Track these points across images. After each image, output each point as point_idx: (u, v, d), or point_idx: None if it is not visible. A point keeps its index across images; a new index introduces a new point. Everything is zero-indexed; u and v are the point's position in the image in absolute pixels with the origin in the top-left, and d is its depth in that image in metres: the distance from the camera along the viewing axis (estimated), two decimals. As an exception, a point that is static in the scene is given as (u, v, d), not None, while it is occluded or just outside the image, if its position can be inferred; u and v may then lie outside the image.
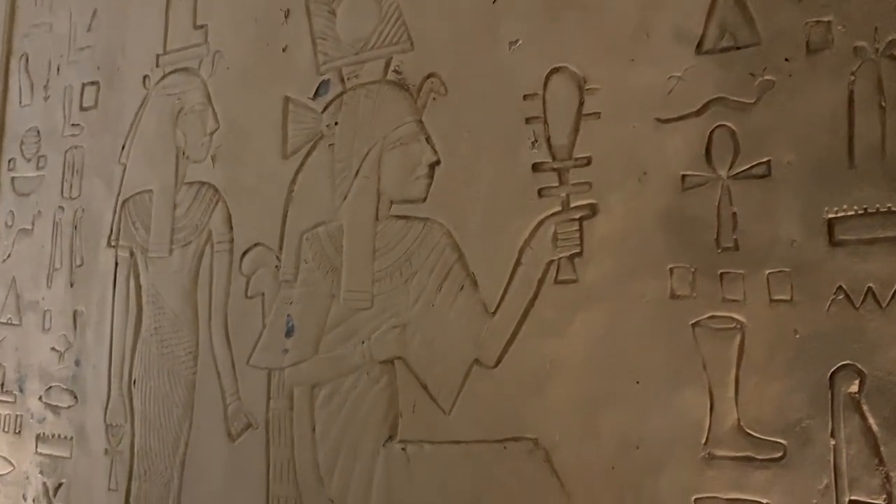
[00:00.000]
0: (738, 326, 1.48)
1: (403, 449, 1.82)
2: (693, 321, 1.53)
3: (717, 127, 1.55)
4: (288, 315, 2.05)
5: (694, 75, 1.58)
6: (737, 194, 1.51)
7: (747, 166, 1.51)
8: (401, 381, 1.86)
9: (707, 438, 1.48)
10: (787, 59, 1.49)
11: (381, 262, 1.91)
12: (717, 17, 1.57)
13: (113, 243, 2.46)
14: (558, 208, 1.69)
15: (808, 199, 1.44)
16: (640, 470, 1.54)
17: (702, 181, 1.55)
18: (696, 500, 1.48)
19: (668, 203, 1.58)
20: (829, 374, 1.38)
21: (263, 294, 2.11)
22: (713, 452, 1.48)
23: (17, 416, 2.62)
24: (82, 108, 2.62)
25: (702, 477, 1.48)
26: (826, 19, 1.46)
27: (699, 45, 1.58)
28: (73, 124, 2.63)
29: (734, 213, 1.51)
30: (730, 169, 1.53)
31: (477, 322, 1.76)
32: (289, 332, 2.04)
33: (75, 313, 2.51)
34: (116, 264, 2.44)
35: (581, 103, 1.70)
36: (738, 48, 1.54)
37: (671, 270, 1.56)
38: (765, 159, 1.49)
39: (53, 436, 2.51)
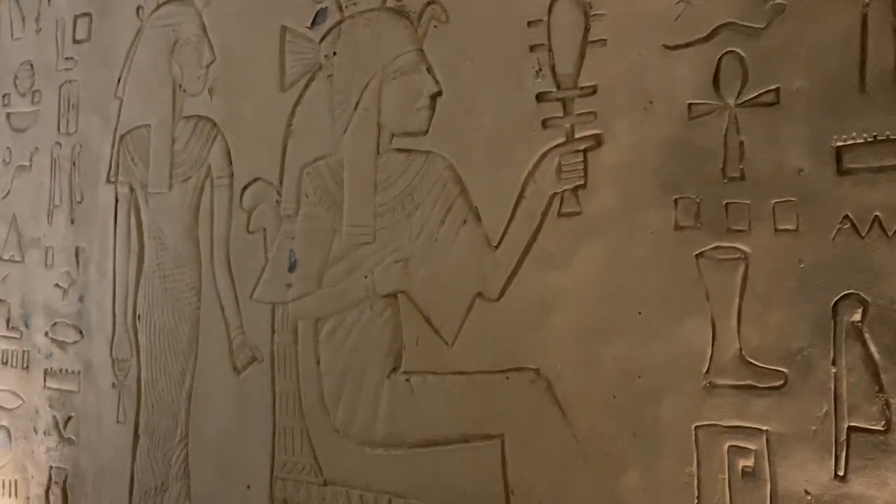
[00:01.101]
0: (743, 257, 1.47)
1: (407, 380, 1.84)
2: (697, 252, 1.52)
3: (725, 53, 1.51)
4: (290, 250, 2.05)
5: (703, 0, 1.53)
6: (744, 123, 1.48)
7: (756, 94, 1.47)
8: (404, 314, 1.87)
9: (709, 368, 1.49)
10: (799, -18, 1.44)
11: (382, 197, 1.90)
12: (729, -62, 1.51)
13: (112, 179, 2.44)
14: (562, 139, 1.67)
15: (817, 127, 1.42)
16: (641, 399, 1.56)
17: (709, 110, 1.52)
18: (696, 427, 1.50)
19: (674, 133, 1.55)
20: (833, 303, 1.38)
21: (265, 229, 2.10)
22: (714, 381, 1.49)
23: (24, 351, 2.64)
24: (75, 41, 2.56)
25: (703, 405, 1.50)
26: (841, -62, 1.41)
27: (709, -33, 1.53)
28: (66, 58, 2.58)
29: (741, 143, 1.49)
30: (738, 97, 1.49)
31: (480, 256, 1.75)
32: (291, 267, 2.04)
33: (77, 250, 2.51)
34: (117, 200, 2.42)
35: (587, 30, 1.65)
36: (749, -29, 1.49)
37: (676, 201, 1.54)
38: (773, 86, 1.46)
39: (61, 370, 2.54)
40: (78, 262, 2.51)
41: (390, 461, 1.85)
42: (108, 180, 2.46)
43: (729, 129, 1.50)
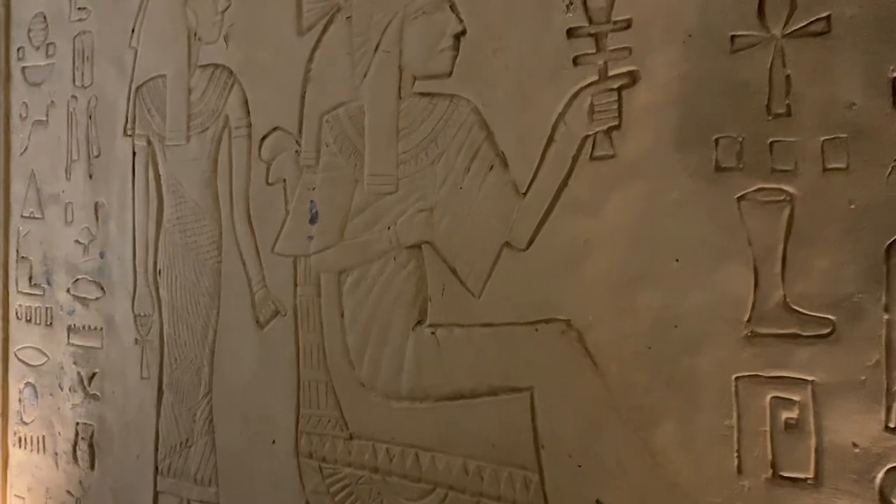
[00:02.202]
0: (788, 199, 1.39)
1: (433, 333, 1.79)
2: (739, 195, 1.43)
3: (772, -21, 1.40)
4: (311, 201, 1.99)
5: (749, -78, 1.42)
6: (791, 55, 1.38)
7: (804, 23, 1.37)
8: (429, 265, 1.81)
9: (750, 316, 1.42)
10: None
11: (405, 144, 1.83)
12: None
13: (129, 132, 2.39)
14: (595, 77, 1.58)
15: (871, 58, 1.32)
16: (677, 349, 1.49)
17: (753, 41, 1.42)
18: (736, 378, 1.43)
19: (716, 67, 1.45)
20: (886, 247, 1.30)
21: (285, 180, 2.04)
22: (756, 330, 1.42)
23: (47, 308, 2.63)
24: (88, -10, 2.49)
25: (743, 355, 1.43)
26: None
27: None
28: (79, 8, 2.51)
29: (788, 76, 1.39)
30: (785, 26, 1.39)
31: (507, 203, 1.68)
32: (313, 219, 1.99)
33: (96, 205, 2.48)
34: (134, 154, 2.37)
35: (621, -41, 1.55)
36: None
37: (717, 141, 1.46)
38: (824, 14, 1.35)
39: (84, 327, 2.53)
40: (97, 218, 2.47)
41: (416, 414, 1.81)
42: (125, 133, 2.41)
43: (775, 62, 1.40)
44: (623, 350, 1.55)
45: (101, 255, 2.48)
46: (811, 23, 1.36)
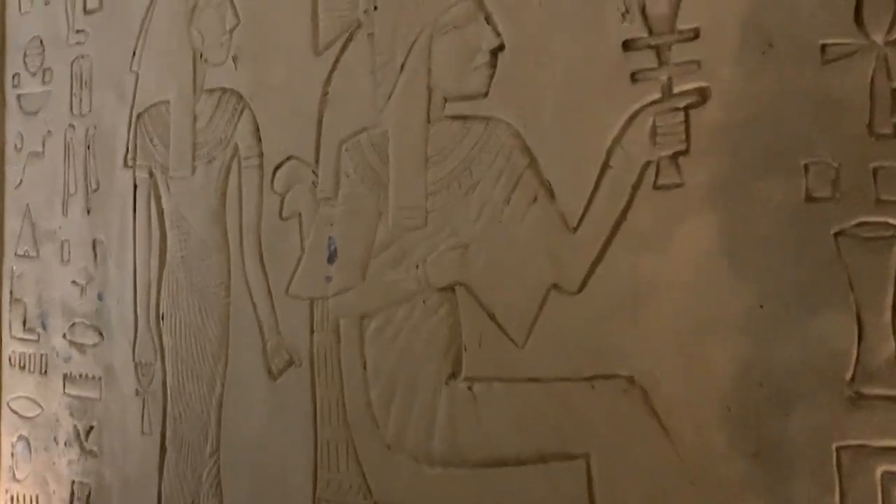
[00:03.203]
0: (897, 234, 1.17)
1: (469, 388, 1.57)
2: (836, 230, 1.22)
3: (871, -21, 1.20)
4: (330, 237, 1.79)
5: (839, -88, 1.22)
6: (898, 65, 1.18)
7: (913, 28, 1.17)
8: (463, 309, 1.59)
9: (854, 373, 1.20)
10: None
11: (435, 173, 1.62)
12: None
13: (130, 163, 2.21)
14: (657, 95, 1.37)
15: None
16: (764, 411, 1.26)
17: (850, 50, 1.21)
18: (838, 448, 1.20)
19: (803, 81, 1.25)
20: None
21: (300, 214, 1.85)
22: (861, 391, 1.19)
23: (41, 354, 2.44)
24: (86, 12, 2.33)
25: (846, 420, 1.20)
26: None
27: None
28: (77, 31, 2.35)
29: (894, 90, 1.18)
30: (888, 32, 1.19)
31: (555, 238, 1.47)
32: (331, 257, 1.78)
33: (94, 242, 2.29)
34: (135, 186, 2.19)
35: (685, -39, 1.35)
36: None
37: (806, 167, 1.24)
38: (938, 17, 1.15)
39: (81, 376, 2.33)
40: (96, 256, 2.29)
41: (451, 482, 1.59)
42: (125, 164, 2.23)
43: (877, 74, 1.19)
44: (698, 411, 1.32)
45: (100, 297, 2.28)
46: (921, 27, 1.16)
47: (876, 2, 1.20)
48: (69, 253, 2.36)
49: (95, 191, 2.30)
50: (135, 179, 2.20)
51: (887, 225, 1.19)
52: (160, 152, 2.12)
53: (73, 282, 2.34)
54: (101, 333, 2.29)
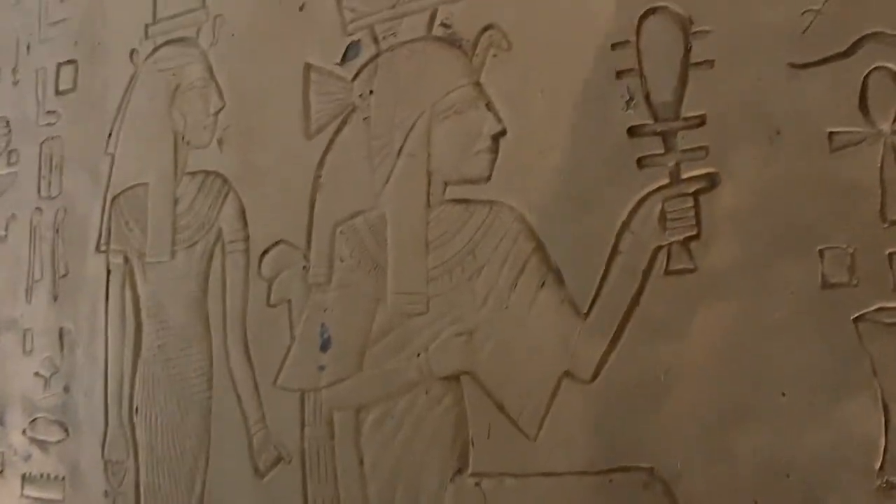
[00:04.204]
0: (918, 319, 1.17)
1: (477, 484, 1.50)
2: (855, 315, 1.21)
3: (873, 70, 1.23)
4: (322, 324, 1.71)
5: (837, 7, 1.26)
6: (906, 153, 1.20)
7: (918, 117, 1.20)
8: (469, 400, 1.53)
9: (882, 462, 1.17)
10: (966, -21, 1.18)
11: (436, 257, 1.58)
12: (866, -67, 1.25)
13: (103, 248, 2.11)
14: (665, 181, 1.37)
15: None
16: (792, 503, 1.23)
17: (857, 138, 1.23)
18: (872, 539, 1.17)
19: (813, 168, 1.26)
20: None
21: (289, 301, 1.77)
22: (892, 480, 1.17)
23: (-2, 453, 2.27)
24: (58, 93, 2.26)
25: (879, 511, 1.17)
26: None
27: (843, -32, 1.27)
28: (48, 111, 2.27)
29: (903, 177, 1.20)
30: (895, 121, 1.21)
31: (566, 325, 1.43)
32: (324, 345, 1.71)
33: (61, 331, 2.16)
34: (108, 272, 2.08)
35: (688, 50, 1.38)
36: (898, -31, 1.23)
37: (821, 252, 1.24)
38: (942, 107, 1.18)
39: (42, 476, 2.16)
40: (62, 346, 2.15)
41: (460, 586, 1.50)
42: (97, 249, 2.12)
43: (886, 162, 1.21)
44: (724, 505, 1.28)
45: (66, 390, 2.14)
46: (926, 117, 1.19)
47: (880, 91, 1.23)
48: (32, 342, 2.22)
49: (64, 277, 2.19)
50: (108, 265, 2.09)
51: (907, 310, 1.19)
52: (136, 237, 2.04)
53: (36, 373, 2.19)
54: (66, 429, 2.13)
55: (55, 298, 2.20)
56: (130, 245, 2.05)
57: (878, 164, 1.22)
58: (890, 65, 1.22)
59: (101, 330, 2.09)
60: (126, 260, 2.05)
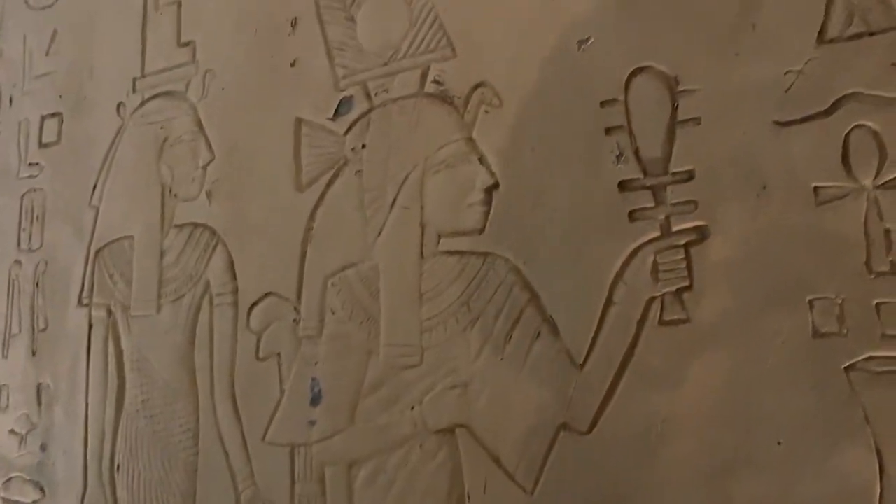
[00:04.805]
0: (907, 368, 1.20)
1: (474, 538, 1.48)
2: (846, 364, 1.24)
3: (854, 128, 1.29)
4: (313, 378, 1.70)
5: (818, 68, 1.32)
6: (888, 207, 1.25)
7: (898, 173, 1.25)
8: (465, 453, 1.52)
9: (879, 509, 1.19)
10: (937, 44, 1.25)
11: (430, 308, 1.59)
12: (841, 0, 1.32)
13: (85, 301, 2.07)
14: (657, 233, 1.40)
15: (983, 209, 1.19)
16: (792, 553, 1.23)
17: (841, 193, 1.28)
18: (872, 589, 1.18)
19: (800, 221, 1.30)
20: None
21: (279, 354, 1.76)
22: (889, 527, 1.19)
23: (-32, 516, 2.17)
24: (42, 145, 2.25)
25: (877, 560, 1.18)
26: None
27: (821, 32, 1.33)
28: (30, 164, 2.25)
29: (887, 230, 1.24)
30: (876, 177, 1.26)
31: (562, 376, 1.44)
32: (315, 399, 1.69)
33: (39, 387, 2.11)
34: (90, 326, 2.04)
35: (675, 107, 1.42)
36: (873, 34, 1.29)
37: (811, 303, 1.28)
38: (921, 163, 1.24)
39: (15, 540, 2.08)
40: (40, 403, 2.09)
41: None
42: (79, 303, 2.09)
43: (869, 215, 1.26)
44: (724, 556, 1.28)
45: (42, 448, 2.07)
46: (906, 172, 1.24)
47: (861, 147, 1.28)
48: (8, 399, 2.15)
49: (43, 331, 2.14)
50: (90, 319, 2.05)
51: None
52: (121, 290, 2.01)
53: (12, 431, 2.12)
54: (42, 489, 2.06)
55: (33, 353, 2.15)
56: (114, 298, 2.01)
57: (863, 218, 1.26)
58: (869, 123, 1.28)
59: (82, 385, 2.03)
60: (109, 313, 2.02)
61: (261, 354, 1.78)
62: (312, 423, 1.68)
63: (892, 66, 1.27)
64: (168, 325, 1.91)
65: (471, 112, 1.60)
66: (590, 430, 1.41)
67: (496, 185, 1.56)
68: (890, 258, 1.24)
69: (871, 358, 1.23)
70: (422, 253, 1.62)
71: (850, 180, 1.28)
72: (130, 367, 1.96)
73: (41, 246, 2.19)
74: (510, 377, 1.49)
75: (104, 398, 1.98)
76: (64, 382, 2.08)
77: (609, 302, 1.42)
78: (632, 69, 1.46)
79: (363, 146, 1.72)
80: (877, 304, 1.24)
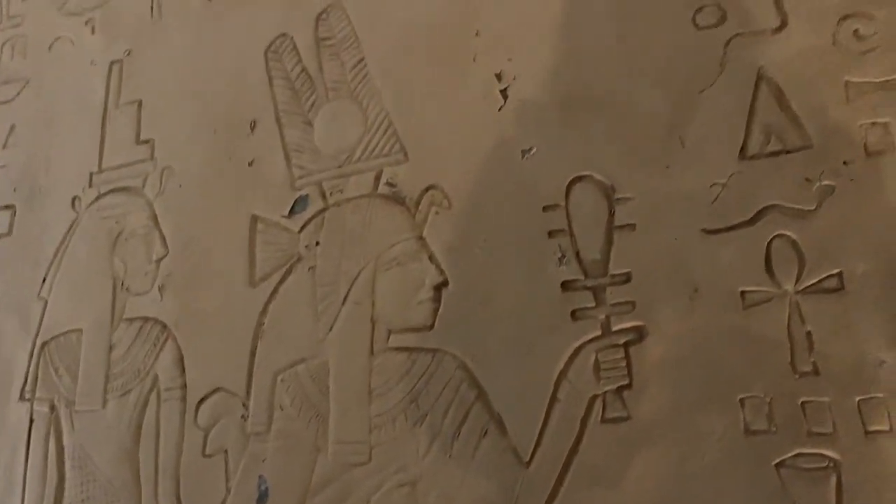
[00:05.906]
0: (832, 465, 1.27)
1: None
2: (776, 461, 1.31)
3: (775, 237, 1.40)
4: (260, 476, 1.68)
5: (740, 182, 1.44)
6: (808, 311, 1.34)
7: (816, 279, 1.35)
8: (413, 552, 1.52)
9: None
10: (845, 163, 1.37)
11: (379, 405, 1.61)
12: (760, 120, 1.46)
13: (27, 396, 2.01)
14: (598, 332, 1.47)
15: (893, 313, 1.29)
16: None
17: (765, 297, 1.37)
18: None
19: (729, 323, 1.39)
20: (957, 519, 1.18)
21: (226, 451, 1.73)
22: None
23: None
24: (-7, 237, 2.23)
25: None
26: (883, 120, 1.37)
27: (743, 149, 1.46)
28: (-21, 255, 2.22)
29: (808, 333, 1.33)
30: (796, 283, 1.36)
31: (508, 473, 1.47)
32: (262, 498, 1.67)
33: (-28, 486, 2.02)
34: (31, 421, 1.99)
35: (611, 214, 1.52)
36: (789, 152, 1.42)
37: (742, 401, 1.35)
38: (835, 271, 1.34)
39: None
40: (-28, 502, 2.00)
41: None
42: (21, 397, 2.03)
43: (792, 319, 1.35)
44: None
45: (-28, 552, 1.97)
46: (823, 279, 1.35)
47: (782, 255, 1.38)
48: (-63, 499, 2.06)
49: (-20, 426, 2.07)
50: (32, 414, 2.00)
51: (822, 457, 1.28)
52: (66, 384, 1.97)
53: (-61, 534, 2.02)
54: None
55: (-32, 450, 2.07)
56: (59, 393, 1.97)
57: (786, 321, 1.35)
58: (788, 233, 1.39)
59: (19, 483, 1.95)
60: (52, 408, 1.97)
61: (208, 451, 1.76)
62: (259, 522, 1.66)
63: (806, 182, 1.39)
64: (113, 420, 1.88)
65: (422, 213, 1.68)
66: (537, 527, 1.43)
67: (445, 283, 1.62)
68: (812, 359, 1.32)
69: (799, 455, 1.30)
70: (372, 349, 1.65)
71: (773, 285, 1.37)
72: (71, 465, 1.90)
73: (-16, 338, 2.15)
74: (458, 475, 1.51)
75: (42, 497, 1.91)
76: (1, 480, 2.00)
77: (554, 399, 1.47)
78: (572, 177, 1.57)
79: (317, 243, 1.76)
80: (802, 403, 1.31)
